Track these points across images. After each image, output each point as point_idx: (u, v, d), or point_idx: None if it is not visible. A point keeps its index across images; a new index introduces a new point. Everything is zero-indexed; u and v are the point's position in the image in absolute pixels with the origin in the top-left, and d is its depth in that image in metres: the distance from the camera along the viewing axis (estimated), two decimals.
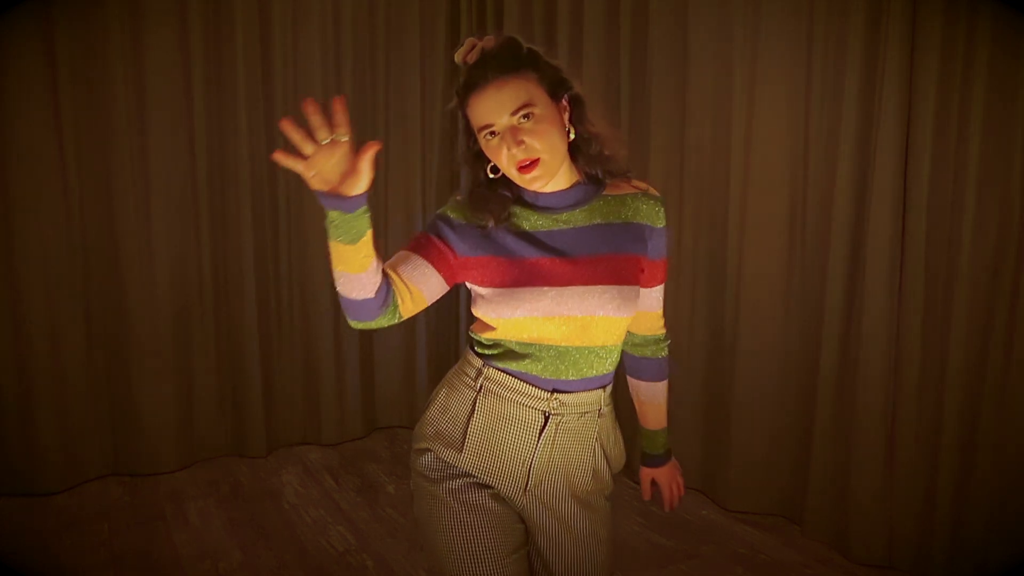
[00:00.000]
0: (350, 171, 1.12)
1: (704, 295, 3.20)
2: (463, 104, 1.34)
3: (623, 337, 1.44)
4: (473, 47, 1.34)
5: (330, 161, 1.11)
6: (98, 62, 3.26)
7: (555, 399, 1.39)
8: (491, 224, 1.37)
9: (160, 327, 3.48)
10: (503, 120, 1.29)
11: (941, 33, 2.41)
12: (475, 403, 1.40)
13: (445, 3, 3.98)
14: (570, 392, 1.39)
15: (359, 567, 2.77)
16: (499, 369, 1.39)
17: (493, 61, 1.30)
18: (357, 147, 1.12)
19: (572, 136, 1.36)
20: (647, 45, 3.20)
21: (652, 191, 1.45)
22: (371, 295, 1.26)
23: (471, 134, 1.36)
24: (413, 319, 1.17)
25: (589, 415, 1.43)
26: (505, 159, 1.30)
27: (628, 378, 1.64)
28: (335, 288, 1.27)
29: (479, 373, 1.41)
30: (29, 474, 3.27)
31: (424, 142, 4.03)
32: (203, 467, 3.60)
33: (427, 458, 1.44)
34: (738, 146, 2.98)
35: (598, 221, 1.39)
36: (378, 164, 4.36)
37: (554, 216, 1.39)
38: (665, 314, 1.58)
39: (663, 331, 1.59)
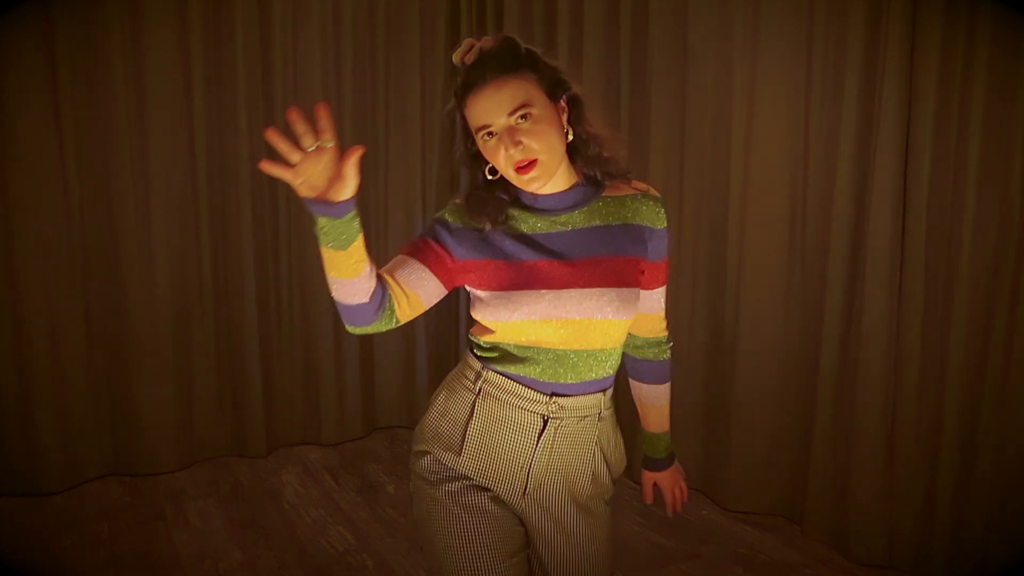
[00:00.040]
0: (336, 177, 1.13)
1: (704, 295, 3.20)
2: (461, 105, 1.33)
3: (623, 340, 1.43)
4: (471, 47, 1.33)
5: (317, 168, 1.11)
6: (98, 62, 3.26)
7: (554, 403, 1.38)
8: (488, 227, 1.36)
9: (160, 327, 3.48)
10: (501, 120, 1.28)
11: (941, 33, 2.41)
12: (474, 406, 1.40)
13: (445, 3, 3.98)
14: (569, 396, 1.38)
15: (359, 567, 2.77)
16: (498, 372, 1.39)
17: (491, 61, 1.29)
18: (350, 153, 1.12)
19: (570, 137, 1.35)
20: (647, 45, 3.20)
21: (652, 192, 1.44)
22: (365, 300, 1.26)
23: (469, 135, 1.36)
24: (413, 319, 1.18)
25: (589, 419, 1.42)
26: (503, 160, 1.30)
27: (630, 380, 1.63)
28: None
29: (478, 376, 1.40)
30: (29, 474, 3.27)
31: (424, 142, 4.03)
32: (203, 467, 3.60)
33: (426, 460, 1.43)
34: (738, 146, 2.98)
35: (597, 223, 1.38)
36: (378, 164, 4.33)
37: (553, 218, 1.38)
38: (667, 316, 1.56)
39: (665, 333, 1.57)
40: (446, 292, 1.39)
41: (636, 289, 1.38)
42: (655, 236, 1.42)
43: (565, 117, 1.35)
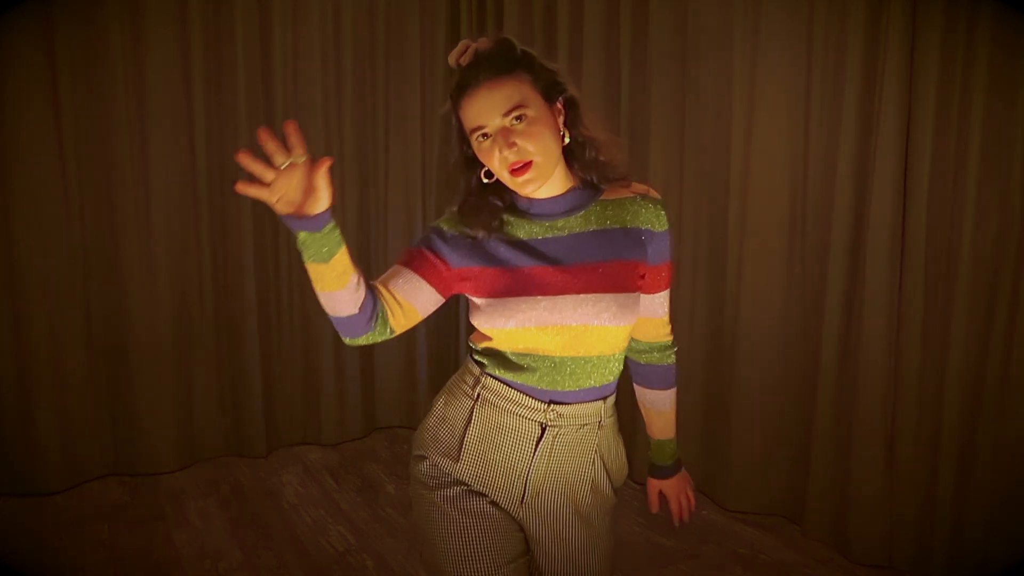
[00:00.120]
0: (309, 190, 1.13)
1: (704, 295, 3.19)
2: (456, 107, 1.32)
3: (624, 346, 1.41)
4: (466, 49, 1.31)
5: (291, 183, 1.11)
6: (98, 62, 3.26)
7: (552, 410, 1.36)
8: (481, 235, 1.35)
9: (160, 327, 3.48)
10: (495, 121, 1.26)
11: (941, 33, 2.40)
12: (472, 412, 1.39)
13: (445, 3, 3.98)
14: (567, 403, 1.37)
15: (359, 567, 2.77)
16: (496, 379, 1.38)
17: (486, 62, 1.28)
18: (319, 165, 1.12)
19: (566, 140, 1.33)
20: (647, 45, 3.20)
21: (652, 193, 1.41)
22: (355, 311, 1.26)
23: (464, 139, 1.34)
24: None
25: (588, 427, 1.40)
26: (497, 162, 1.28)
27: (634, 385, 1.59)
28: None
29: (477, 382, 1.40)
30: (29, 474, 3.27)
31: (424, 142, 4.03)
32: (203, 467, 3.60)
33: (425, 465, 1.43)
34: (738, 146, 2.97)
35: (595, 227, 1.36)
36: (378, 164, 4.32)
37: (549, 223, 1.36)
38: (672, 320, 1.53)
39: (669, 338, 1.53)
40: (443, 301, 1.38)
41: (635, 294, 1.36)
42: (655, 239, 1.39)
43: (561, 119, 1.33)
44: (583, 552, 1.46)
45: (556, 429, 1.37)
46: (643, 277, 1.40)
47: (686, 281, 3.21)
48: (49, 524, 3.05)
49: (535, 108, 1.28)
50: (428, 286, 1.34)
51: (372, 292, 1.30)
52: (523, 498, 1.40)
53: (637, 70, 3.27)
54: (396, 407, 4.13)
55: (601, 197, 1.38)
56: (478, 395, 1.39)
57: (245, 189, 1.10)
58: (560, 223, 1.36)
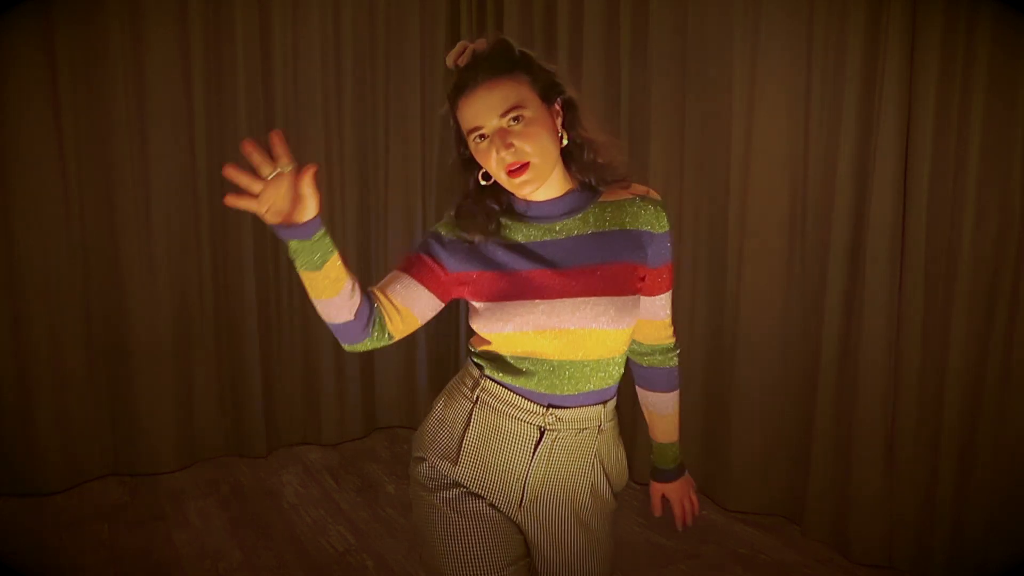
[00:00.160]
0: (297, 199, 1.13)
1: (704, 295, 3.19)
2: (453, 108, 1.31)
3: (624, 350, 1.40)
4: (464, 50, 1.30)
5: (279, 193, 1.12)
6: (98, 62, 3.26)
7: (551, 414, 1.35)
8: (478, 239, 1.34)
9: (160, 327, 3.48)
10: (492, 122, 1.26)
11: (941, 33, 2.40)
12: (471, 415, 1.38)
13: (445, 4, 3.98)
14: (566, 407, 1.36)
15: (359, 567, 2.77)
16: (495, 382, 1.37)
17: (484, 63, 1.27)
18: (304, 173, 1.13)
19: (565, 141, 1.33)
20: (647, 45, 3.20)
21: (652, 194, 1.39)
22: (351, 318, 1.27)
23: (462, 140, 1.33)
24: None
25: (588, 431, 1.39)
26: (494, 163, 1.27)
27: (637, 388, 1.58)
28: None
29: (476, 384, 1.39)
30: (29, 474, 3.27)
31: (424, 143, 4.03)
32: (203, 467, 3.60)
33: (424, 467, 1.43)
34: (738, 146, 2.97)
35: (593, 230, 1.35)
36: (378, 164, 4.32)
37: (547, 226, 1.35)
38: (674, 322, 1.51)
39: (671, 340, 1.51)
40: (442, 305, 1.38)
41: (635, 297, 1.35)
42: (655, 241, 1.37)
43: (559, 121, 1.32)
44: (581, 557, 1.45)
45: (555, 433, 1.36)
46: (643, 279, 1.38)
47: (686, 281, 3.21)
48: (49, 524, 3.05)
49: (533, 109, 1.27)
50: (426, 291, 1.34)
51: (368, 298, 1.29)
52: (521, 501, 1.40)
53: (637, 70, 3.26)
54: (396, 407, 4.13)
55: (600, 199, 1.37)
56: (477, 398, 1.38)
57: (235, 202, 1.12)
58: (558, 226, 1.35)
